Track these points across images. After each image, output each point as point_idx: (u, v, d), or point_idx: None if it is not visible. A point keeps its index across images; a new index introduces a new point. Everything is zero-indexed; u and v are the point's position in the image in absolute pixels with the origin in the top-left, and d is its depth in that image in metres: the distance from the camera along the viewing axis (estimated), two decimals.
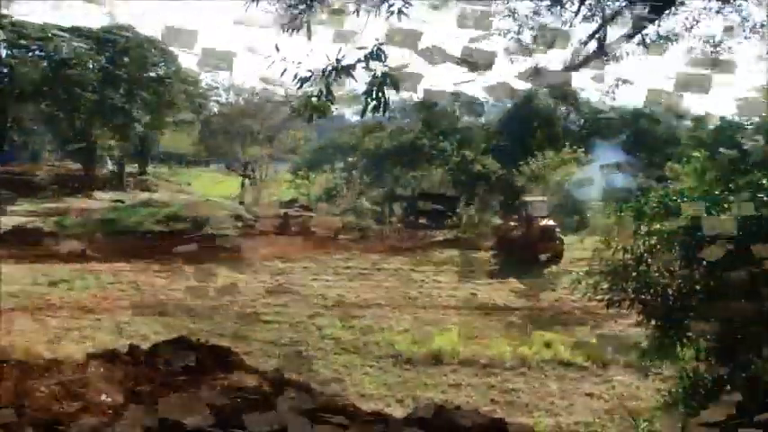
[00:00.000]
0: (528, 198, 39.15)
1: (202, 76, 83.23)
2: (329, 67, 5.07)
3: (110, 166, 67.77)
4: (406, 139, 62.78)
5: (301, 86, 5.18)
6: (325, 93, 5.18)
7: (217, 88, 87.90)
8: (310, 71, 5.14)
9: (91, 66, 58.02)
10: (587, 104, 66.34)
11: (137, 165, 76.78)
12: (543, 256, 33.16)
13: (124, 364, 9.05)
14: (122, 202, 50.32)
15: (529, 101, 65.06)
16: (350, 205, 52.26)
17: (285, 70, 5.15)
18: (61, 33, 56.10)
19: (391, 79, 4.95)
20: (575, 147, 51.82)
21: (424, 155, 58.59)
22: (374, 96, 4.98)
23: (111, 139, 63.18)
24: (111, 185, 61.26)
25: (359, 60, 5.01)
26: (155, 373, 8.70)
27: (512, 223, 37.04)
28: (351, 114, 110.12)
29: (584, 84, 69.24)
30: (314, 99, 5.20)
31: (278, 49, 5.19)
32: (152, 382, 8.34)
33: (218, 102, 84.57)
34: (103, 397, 7.67)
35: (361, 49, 5.03)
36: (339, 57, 5.02)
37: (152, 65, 62.97)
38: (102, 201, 50.99)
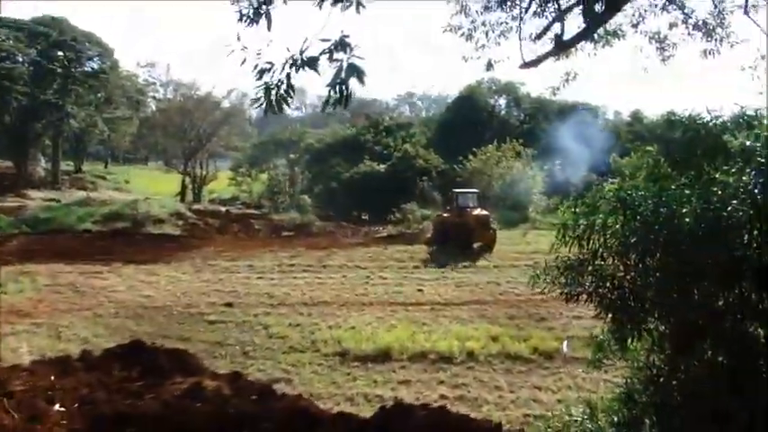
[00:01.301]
0: (459, 190, 40.23)
1: (139, 70, 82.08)
2: (290, 59, 4.93)
3: (43, 163, 65.87)
4: (348, 135, 62.81)
5: (260, 78, 5.02)
6: (285, 85, 5.02)
7: (154, 84, 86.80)
8: (270, 62, 4.98)
9: (21, 59, 56.21)
10: (528, 98, 67.45)
11: (72, 162, 75.07)
12: (476, 245, 34.41)
13: (76, 370, 8.74)
14: (58, 201, 49.08)
15: (470, 95, 65.85)
16: (292, 202, 51.93)
17: (245, 60, 4.98)
18: None
19: (357, 72, 4.84)
20: (516, 141, 52.59)
21: (367, 150, 58.63)
22: (338, 90, 4.87)
23: (43, 135, 61.42)
24: (46, 184, 59.66)
25: (323, 52, 4.88)
26: (109, 379, 8.43)
27: (445, 214, 37.98)
28: (291, 110, 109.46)
29: (524, 78, 70.37)
30: (273, 91, 5.04)
31: (239, 39, 5.04)
32: (107, 389, 8.08)
33: (155, 98, 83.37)
34: (56, 406, 7.38)
35: (324, 41, 4.90)
36: (302, 48, 4.88)
37: (87, 59, 61.40)
38: (36, 200, 49.53)
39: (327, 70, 4.82)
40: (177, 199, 58.56)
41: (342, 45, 4.79)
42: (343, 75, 4.77)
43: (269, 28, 5.21)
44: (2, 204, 45.56)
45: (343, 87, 4.81)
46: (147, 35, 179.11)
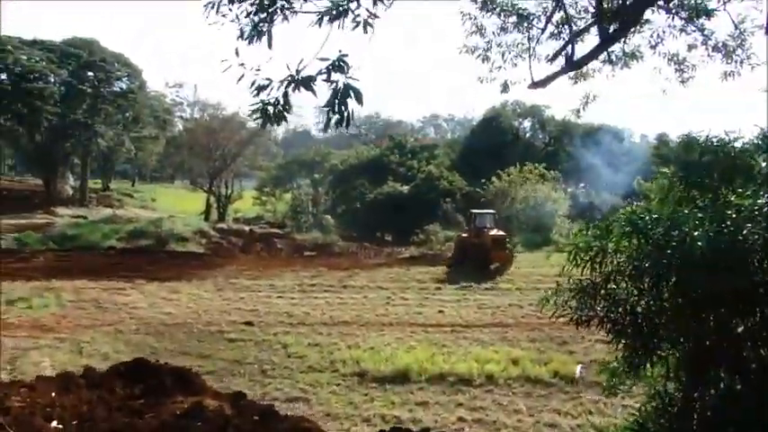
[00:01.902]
0: (477, 211, 40.62)
1: (167, 91, 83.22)
2: (288, 78, 4.93)
3: (72, 181, 66.74)
4: (372, 156, 62.96)
5: (258, 94, 5.03)
6: (282, 102, 5.03)
7: (181, 104, 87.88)
8: (269, 79, 4.99)
9: (52, 79, 57.18)
10: (552, 121, 67.22)
11: (100, 180, 76.04)
12: (493, 266, 34.76)
13: (78, 387, 8.70)
14: (85, 218, 49.61)
15: (494, 118, 65.79)
16: (315, 222, 52.06)
17: (242, 76, 5.00)
18: (22, 46, 55.24)
19: (354, 92, 4.83)
20: (540, 163, 52.32)
21: (391, 171, 58.70)
22: (336, 110, 4.86)
23: (72, 154, 62.31)
24: (74, 201, 60.40)
25: (320, 72, 4.88)
26: (111, 397, 8.39)
27: (464, 234, 38.41)
28: (317, 130, 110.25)
29: (548, 101, 70.16)
30: (270, 108, 5.05)
31: (237, 54, 5.05)
32: (108, 407, 8.04)
33: (182, 117, 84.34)
34: (54, 423, 7.35)
35: (323, 60, 4.90)
36: (299, 67, 4.88)
37: (116, 79, 62.28)
38: (64, 217, 50.11)
39: (327, 90, 4.83)
40: (202, 217, 58.93)
41: (339, 65, 4.78)
42: (339, 96, 4.76)
43: (269, 46, 5.23)
44: (31, 221, 46.17)
45: (342, 108, 4.80)
46: (175, 55, 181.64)
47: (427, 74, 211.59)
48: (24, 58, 54.75)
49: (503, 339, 22.65)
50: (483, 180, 51.41)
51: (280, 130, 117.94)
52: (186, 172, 75.91)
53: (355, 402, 17.11)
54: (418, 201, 51.99)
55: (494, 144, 61.59)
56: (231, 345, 21.73)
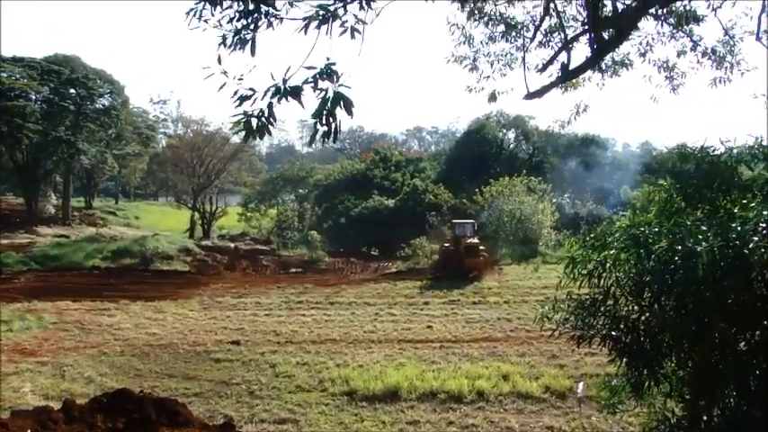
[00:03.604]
0: (457, 221, 42.16)
1: (150, 107, 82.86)
2: (273, 87, 4.67)
3: (54, 200, 66.13)
4: (357, 170, 62.81)
5: (240, 105, 4.75)
6: (266, 114, 4.76)
7: (165, 120, 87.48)
8: (252, 89, 4.72)
9: (33, 97, 56.72)
10: (536, 132, 67.39)
11: (82, 198, 75.42)
12: (472, 275, 35.85)
13: (55, 423, 8.26)
14: (67, 237, 49.06)
15: (478, 129, 65.87)
16: (301, 237, 51.73)
17: (224, 85, 4.73)
18: (2, 64, 54.77)
19: (344, 101, 4.57)
20: (526, 175, 52.31)
21: (376, 185, 58.57)
22: (324, 121, 4.60)
23: (54, 172, 61.75)
24: (56, 220, 59.82)
25: (306, 81, 4.62)
26: None
27: (446, 244, 39.36)
28: (301, 145, 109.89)
29: (532, 111, 70.35)
30: (253, 120, 4.77)
31: (219, 62, 4.79)
32: None
33: (166, 134, 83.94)
34: None
35: (310, 68, 4.64)
36: (286, 76, 4.63)
37: (98, 96, 61.89)
38: (46, 236, 49.53)
39: (315, 101, 4.59)
40: (186, 235, 58.52)
41: (327, 73, 4.53)
42: (328, 105, 4.51)
43: (253, 54, 4.97)
44: (12, 241, 45.59)
45: (330, 119, 4.54)
46: (159, 71, 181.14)
47: (410, 86, 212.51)
48: (5, 75, 54.35)
49: (492, 354, 22.39)
50: (468, 192, 51.37)
51: (263, 146, 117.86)
52: (170, 189, 75.48)
53: (345, 423, 16.76)
54: (404, 214, 51.86)
55: (478, 156, 61.65)
56: (218, 365, 21.33)
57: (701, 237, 5.05)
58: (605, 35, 8.24)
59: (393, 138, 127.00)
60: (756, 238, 4.94)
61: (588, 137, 68.08)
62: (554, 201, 52.44)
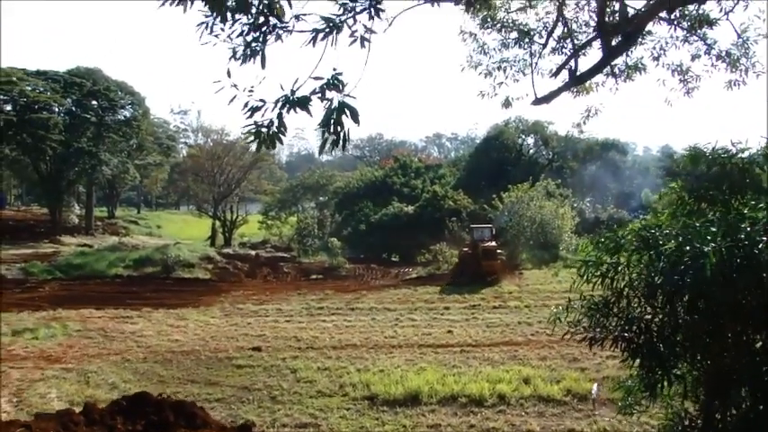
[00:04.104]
0: (476, 225, 42.64)
1: (171, 117, 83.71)
2: (282, 98, 4.82)
3: (77, 210, 66.98)
4: (377, 177, 62.99)
5: (251, 116, 4.91)
6: (276, 124, 4.90)
7: (186, 130, 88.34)
8: (262, 100, 4.88)
9: (56, 109, 57.57)
10: (555, 137, 67.24)
11: (105, 208, 76.31)
12: (490, 278, 36.20)
13: (77, 425, 8.46)
14: (91, 246, 49.69)
15: (497, 135, 65.84)
16: (321, 244, 51.95)
17: (234, 98, 4.89)
18: (26, 77, 55.65)
19: (350, 110, 4.71)
20: (546, 180, 52.21)
21: (395, 192, 58.70)
22: (332, 130, 4.73)
23: (77, 182, 62.59)
24: (80, 230, 60.56)
25: (314, 91, 4.76)
26: None
27: (465, 249, 39.72)
28: (322, 155, 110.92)
29: (551, 116, 70.18)
30: (264, 130, 4.92)
31: (229, 75, 4.95)
32: None
33: (186, 143, 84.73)
34: None
35: (317, 79, 4.79)
36: (294, 87, 4.77)
37: (120, 107, 62.66)
38: (69, 246, 50.17)
39: (323, 110, 4.72)
40: (207, 243, 58.96)
41: (334, 83, 4.67)
42: (334, 115, 4.64)
43: (263, 66, 5.12)
44: (37, 251, 46.25)
45: (338, 128, 4.66)
46: (180, 81, 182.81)
47: (429, 93, 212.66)
48: (29, 88, 55.19)
49: (513, 358, 22.38)
50: (487, 198, 51.34)
51: (283, 154, 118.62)
52: (191, 198, 76.12)
53: (366, 427, 16.84)
54: (424, 220, 51.95)
55: (497, 162, 61.65)
56: (239, 371, 21.50)
57: (709, 238, 5.10)
58: (614, 41, 8.31)
59: (413, 144, 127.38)
60: (766, 239, 5.00)
61: (608, 141, 67.88)
62: (574, 205, 52.31)
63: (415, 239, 47.49)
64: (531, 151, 69.50)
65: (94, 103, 59.91)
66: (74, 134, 56.95)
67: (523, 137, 69.55)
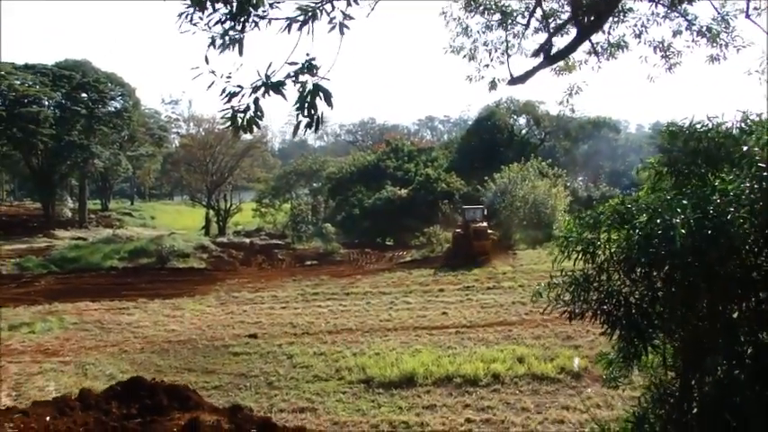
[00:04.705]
0: (467, 206, 43.15)
1: (162, 108, 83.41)
2: (258, 83, 4.91)
3: (70, 203, 66.86)
4: (369, 161, 62.96)
5: (229, 101, 5.02)
6: (253, 109, 5.01)
7: (177, 120, 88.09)
8: (239, 86, 4.97)
9: (46, 103, 57.32)
10: (547, 117, 67.24)
11: (98, 201, 76.18)
12: (481, 258, 36.91)
13: (73, 410, 8.61)
14: (85, 239, 49.63)
15: (489, 117, 65.81)
16: (316, 231, 52.01)
17: (212, 84, 4.98)
18: (15, 71, 55.36)
19: (323, 92, 4.81)
20: (538, 159, 52.27)
21: (389, 176, 58.72)
22: (305, 113, 4.83)
23: (69, 176, 62.44)
24: (73, 223, 60.46)
25: (288, 75, 4.86)
26: (107, 418, 8.31)
27: (458, 230, 40.19)
28: (314, 139, 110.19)
29: (543, 96, 70.14)
30: (240, 115, 5.03)
31: (207, 62, 5.04)
32: (104, 428, 7.97)
33: (178, 134, 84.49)
34: None
35: (292, 64, 4.88)
36: (268, 72, 4.87)
37: (110, 99, 62.36)
38: (63, 239, 50.13)
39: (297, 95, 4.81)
40: (202, 232, 58.96)
41: (308, 68, 4.76)
42: (308, 98, 4.73)
43: (240, 53, 5.19)
44: (31, 245, 46.22)
45: (311, 111, 4.76)
46: (170, 71, 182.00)
47: (421, 76, 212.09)
48: (18, 82, 54.89)
49: (507, 338, 22.62)
50: (480, 180, 51.38)
51: (276, 141, 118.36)
52: (184, 188, 75.99)
53: (363, 409, 17.07)
54: (417, 204, 52.00)
55: (490, 143, 61.62)
56: (236, 358, 21.69)
57: (679, 210, 5.21)
58: (587, 20, 8.38)
59: (405, 128, 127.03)
60: (733, 209, 5.10)
61: (600, 120, 67.90)
62: (567, 184, 52.40)
63: (409, 223, 47.59)
64: (524, 131, 69.48)
65: (84, 95, 59.57)
66: (64, 127, 56.68)
67: (515, 117, 69.51)
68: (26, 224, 57.31)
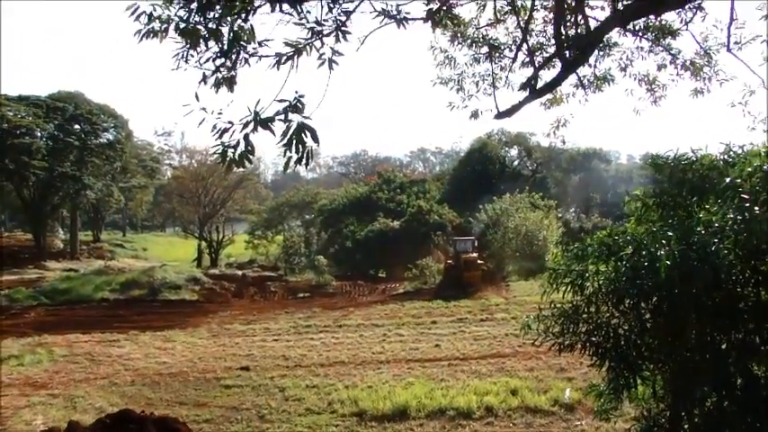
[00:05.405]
0: (458, 238, 44.13)
1: (155, 139, 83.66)
2: (248, 119, 5.02)
3: (62, 234, 66.66)
4: (361, 193, 63.13)
5: (221, 137, 5.11)
6: (243, 144, 5.11)
7: (170, 151, 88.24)
8: (230, 122, 5.07)
9: (39, 134, 57.43)
10: (538, 148, 67.71)
11: (90, 232, 75.95)
12: (471, 288, 37.49)
13: None
14: (76, 271, 49.38)
15: (481, 148, 66.24)
16: (308, 263, 51.94)
17: (203, 120, 5.08)
18: (7, 102, 55.52)
19: (309, 131, 4.91)
20: (531, 191, 52.53)
21: (381, 207, 58.84)
22: (294, 149, 4.94)
23: (61, 207, 62.35)
24: (65, 255, 60.23)
25: (278, 113, 4.97)
26: None
27: (449, 261, 41.15)
28: (306, 171, 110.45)
29: (534, 128, 70.65)
30: (231, 150, 5.13)
31: (197, 99, 5.14)
32: None
33: (170, 165, 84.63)
34: None
35: (281, 101, 4.99)
36: (257, 109, 4.97)
37: (103, 131, 62.54)
38: (54, 271, 49.88)
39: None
40: (194, 264, 58.82)
41: (296, 106, 4.87)
42: (295, 136, 4.84)
43: (231, 90, 5.30)
44: (22, 277, 45.98)
45: (299, 147, 4.86)
46: (163, 103, 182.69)
47: (412, 108, 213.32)
48: (11, 114, 55.05)
49: (500, 370, 22.52)
50: (472, 211, 51.54)
51: (268, 173, 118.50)
52: (177, 219, 75.96)
53: None
54: (410, 235, 52.03)
55: (481, 174, 61.96)
56: (228, 391, 21.50)
57: (664, 241, 5.28)
58: (570, 54, 8.55)
59: (397, 160, 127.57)
60: (716, 240, 5.18)
61: (590, 151, 68.40)
62: (559, 215, 52.60)
63: (402, 255, 47.53)
64: (515, 163, 69.95)
65: (77, 126, 59.78)
66: (57, 159, 56.77)
67: (507, 149, 70.01)
68: (17, 255, 57.00)
